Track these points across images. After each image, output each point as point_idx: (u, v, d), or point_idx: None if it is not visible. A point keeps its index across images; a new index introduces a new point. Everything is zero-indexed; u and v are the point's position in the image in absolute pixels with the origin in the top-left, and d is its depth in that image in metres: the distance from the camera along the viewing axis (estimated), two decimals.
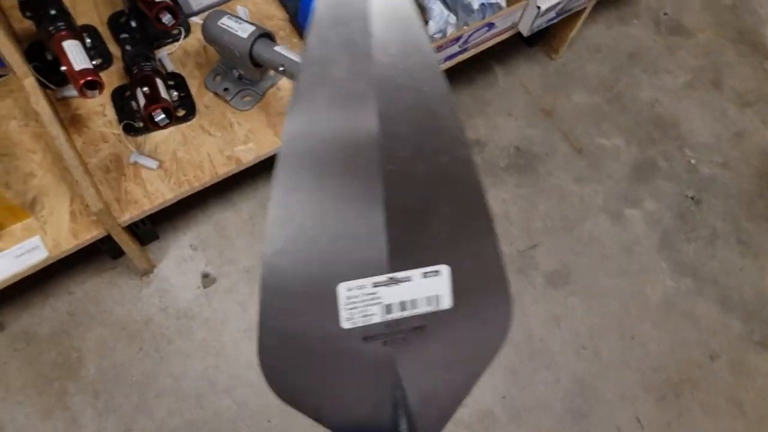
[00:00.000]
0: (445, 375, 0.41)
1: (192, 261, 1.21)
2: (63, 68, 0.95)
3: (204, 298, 1.18)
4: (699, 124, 1.50)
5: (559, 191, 1.38)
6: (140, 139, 1.08)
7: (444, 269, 0.39)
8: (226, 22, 1.03)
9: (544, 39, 1.52)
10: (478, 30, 1.18)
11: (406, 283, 0.39)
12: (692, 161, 1.45)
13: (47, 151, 1.05)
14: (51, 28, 0.97)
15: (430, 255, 0.39)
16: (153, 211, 1.04)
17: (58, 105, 1.09)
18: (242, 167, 1.09)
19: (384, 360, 0.39)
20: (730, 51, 1.62)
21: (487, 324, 0.41)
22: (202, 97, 1.13)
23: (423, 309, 0.39)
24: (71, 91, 1.08)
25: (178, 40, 1.16)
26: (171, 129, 1.09)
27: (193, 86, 1.13)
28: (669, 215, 1.38)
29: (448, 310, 0.40)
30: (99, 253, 1.17)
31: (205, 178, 1.06)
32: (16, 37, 1.09)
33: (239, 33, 1.02)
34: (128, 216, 1.02)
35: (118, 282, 1.17)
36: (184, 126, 1.10)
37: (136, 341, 1.13)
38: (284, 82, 1.16)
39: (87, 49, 0.99)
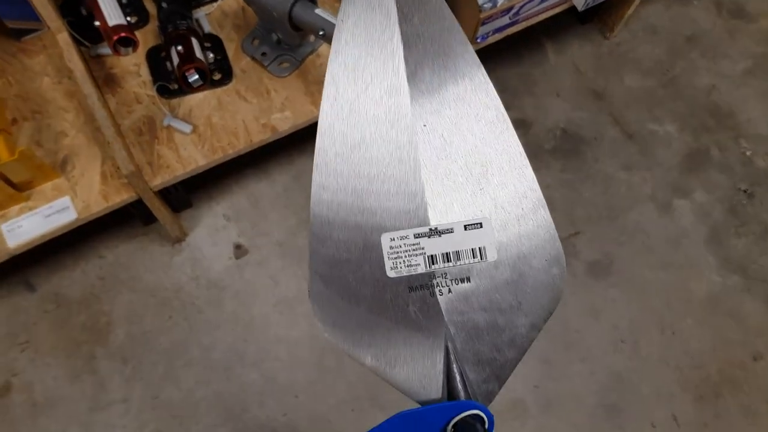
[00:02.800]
0: (495, 332, 0.41)
1: (225, 231, 1.18)
2: (97, 24, 0.92)
3: (235, 269, 1.15)
4: (757, 114, 1.41)
5: (606, 178, 1.31)
6: (174, 101, 1.05)
7: (486, 222, 0.40)
8: None
9: (598, 16, 1.43)
10: (530, 1, 1.12)
11: (448, 234, 0.40)
12: (747, 153, 1.37)
13: (80, 110, 1.02)
14: None
15: (472, 208, 0.40)
16: (185, 177, 1.01)
17: (92, 63, 1.05)
18: (278, 136, 1.05)
19: (432, 309, 0.40)
20: None
21: (537, 285, 0.41)
22: (239, 62, 1.08)
23: (467, 261, 0.40)
24: (106, 49, 1.05)
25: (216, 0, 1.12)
26: (206, 93, 1.05)
27: (231, 49, 1.09)
28: (720, 208, 1.31)
29: (493, 262, 0.40)
30: (131, 218, 1.15)
31: (239, 146, 1.02)
32: None
33: None
34: (160, 180, 0.99)
35: (150, 248, 1.15)
36: (219, 90, 1.06)
37: (165, 309, 1.11)
38: (324, 49, 1.11)
39: (122, 6, 0.96)
